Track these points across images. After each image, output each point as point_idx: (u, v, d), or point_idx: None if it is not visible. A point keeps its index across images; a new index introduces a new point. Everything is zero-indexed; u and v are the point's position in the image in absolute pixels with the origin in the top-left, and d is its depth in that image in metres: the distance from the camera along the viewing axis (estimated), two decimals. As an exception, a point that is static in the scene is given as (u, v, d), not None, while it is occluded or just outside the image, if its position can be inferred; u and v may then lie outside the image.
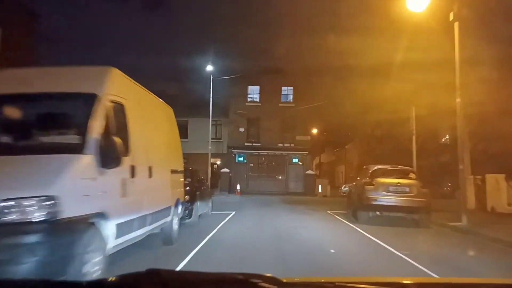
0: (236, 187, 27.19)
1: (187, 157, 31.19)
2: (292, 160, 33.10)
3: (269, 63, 33.01)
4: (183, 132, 35.67)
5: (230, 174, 31.37)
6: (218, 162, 34.31)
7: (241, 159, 33.32)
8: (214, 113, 33.91)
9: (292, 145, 32.43)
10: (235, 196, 26.11)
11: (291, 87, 33.14)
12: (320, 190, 26.43)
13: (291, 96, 33.17)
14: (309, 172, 30.31)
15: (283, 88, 33.19)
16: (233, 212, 14.22)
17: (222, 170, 30.70)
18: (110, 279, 1.14)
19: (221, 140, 34.10)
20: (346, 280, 1.39)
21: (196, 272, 1.20)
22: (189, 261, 6.30)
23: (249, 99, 33.28)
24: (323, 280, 1.41)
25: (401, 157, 29.33)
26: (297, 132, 32.55)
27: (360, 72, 26.69)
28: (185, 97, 35.54)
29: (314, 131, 36.48)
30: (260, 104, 32.92)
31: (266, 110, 32.68)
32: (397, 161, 14.23)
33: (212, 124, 34.41)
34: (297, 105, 32.52)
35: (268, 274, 1.18)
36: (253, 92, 33.31)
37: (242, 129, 32.79)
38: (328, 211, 15.41)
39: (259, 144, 32.59)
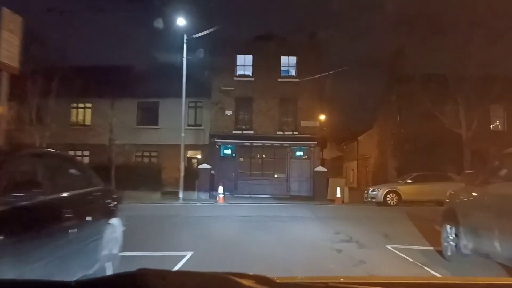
0: (219, 189, 19.14)
1: (157, 149, 22.95)
2: (295, 153, 25.10)
3: (265, 26, 24.88)
4: (153, 117, 27.53)
5: (213, 172, 23.31)
6: (199, 156, 26.23)
7: (227, 152, 25.26)
8: (193, 91, 25.81)
9: (295, 133, 24.41)
10: (214, 205, 18.05)
11: (294, 57, 25.07)
12: (338, 194, 18.44)
13: (294, 69, 25.08)
14: (319, 169, 22.37)
15: (284, 58, 25.10)
16: (184, 259, 6.21)
17: (200, 167, 22.64)
18: (100, 279, 1.15)
19: (202, 127, 26.02)
20: (339, 280, 1.41)
21: (188, 271, 1.20)
22: None
23: (238, 73, 25.17)
24: (315, 280, 1.38)
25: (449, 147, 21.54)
26: (302, 116, 24.55)
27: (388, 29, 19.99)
28: (155, 72, 27.53)
29: (322, 117, 28.39)
30: (253, 79, 24.84)
31: (261, 87, 24.65)
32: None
33: (189, 107, 26.39)
34: (302, 81, 24.50)
35: (260, 274, 1.15)
36: (244, 63, 25.19)
37: (229, 112, 24.72)
38: (389, 247, 7.34)
39: (252, 132, 24.55)
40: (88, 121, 27.32)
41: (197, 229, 9.73)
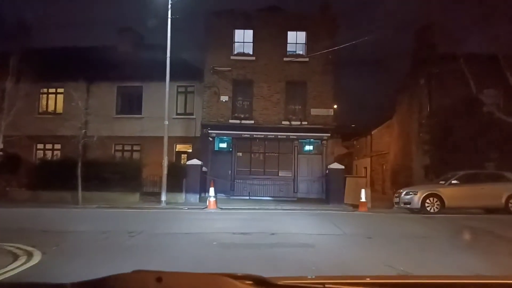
0: (210, 191, 15.05)
1: (140, 141, 18.61)
2: (304, 147, 21.05)
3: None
4: (136, 104, 23.33)
5: (204, 169, 19.28)
6: (190, 151, 22.16)
7: (223, 145, 21.21)
8: (183, 74, 21.83)
9: (304, 123, 20.34)
10: (202, 212, 14.00)
11: (303, 32, 20.95)
12: (363, 198, 14.29)
13: (303, 47, 20.96)
14: (335, 166, 18.29)
15: (290, 34, 20.98)
16: None
17: (189, 163, 18.59)
18: (95, 281, 1.12)
19: (193, 117, 21.95)
20: (336, 280, 1.41)
21: (184, 272, 1.17)
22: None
23: (236, 51, 21.06)
24: (312, 281, 1.38)
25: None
26: (313, 103, 20.47)
27: None
28: (139, 54, 23.52)
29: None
30: (253, 58, 20.74)
31: (264, 68, 20.59)
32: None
33: (178, 92, 22.38)
34: (313, 60, 20.42)
35: (257, 275, 1.14)
36: (243, 40, 21.07)
37: (225, 98, 20.64)
38: None
39: (252, 122, 20.48)
40: (60, 109, 23.25)
41: (149, 265, 5.59)
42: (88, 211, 13.98)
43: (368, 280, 1.49)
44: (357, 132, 35.78)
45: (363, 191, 14.30)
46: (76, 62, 22.81)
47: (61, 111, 22.80)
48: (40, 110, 23.49)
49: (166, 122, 17.03)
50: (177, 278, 1.17)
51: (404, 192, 14.53)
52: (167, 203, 16.78)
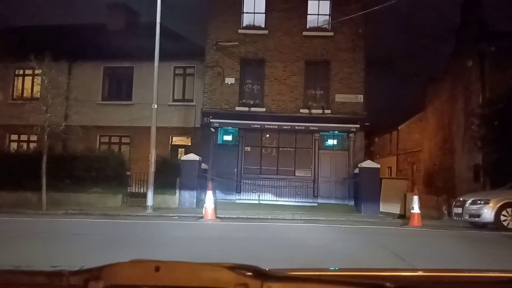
0: (207, 196, 11.27)
1: (129, 132, 15.57)
2: (326, 141, 17.31)
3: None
4: (125, 88, 19.40)
5: (204, 166, 15.68)
6: (189, 144, 18.52)
7: (228, 137, 17.57)
8: (180, 52, 18.30)
9: (327, 112, 16.59)
10: (194, 226, 10.31)
11: (327, 1, 17.18)
12: (416, 208, 10.38)
13: (327, 18, 17.17)
14: (368, 164, 14.57)
15: (312, 2, 17.21)
16: None
17: (184, 158, 14.97)
18: (93, 269, 1.11)
19: (193, 103, 18.33)
20: (332, 273, 1.46)
21: (182, 262, 1.11)
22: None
23: (245, 23, 17.35)
24: (308, 273, 1.39)
25: None
26: (338, 87, 16.71)
27: None
28: (131, 31, 20.05)
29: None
30: (266, 32, 17.02)
31: (278, 44, 16.90)
32: None
33: (176, 74, 18.84)
34: (339, 35, 16.70)
35: (253, 265, 1.13)
36: (253, 10, 17.34)
37: (230, 81, 16.98)
38: None
39: (263, 110, 16.78)
40: (37, 93, 19.76)
41: None
42: (44, 221, 10.41)
43: (366, 273, 1.49)
44: (381, 127, 31.82)
45: (415, 198, 10.47)
46: (58, 40, 19.37)
47: (38, 96, 19.34)
48: (15, 95, 20.08)
49: (155, 106, 13.39)
50: (175, 267, 1.13)
51: (469, 201, 10.70)
52: (155, 208, 13.21)
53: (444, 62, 21.43)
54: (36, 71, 19.76)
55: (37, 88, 19.87)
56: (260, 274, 1.10)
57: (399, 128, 28.54)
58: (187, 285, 1.08)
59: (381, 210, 13.69)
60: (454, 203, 11.34)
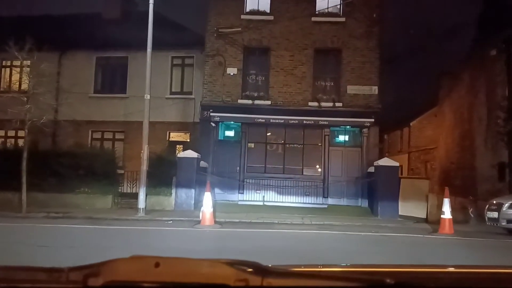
0: (204, 198, 9.81)
1: (123, 127, 14.26)
2: (337, 137, 15.89)
3: None
4: (119, 80, 17.72)
5: (204, 165, 14.31)
6: (188, 141, 17.12)
7: (229, 133, 16.18)
8: (179, 40, 16.96)
9: (338, 105, 15.15)
10: (190, 232, 8.91)
11: (338, -16, 15.72)
12: (447, 213, 8.92)
13: (338, 3, 15.69)
14: (385, 162, 13.19)
15: (321, -15, 15.76)
16: None
17: (182, 155, 13.57)
18: (93, 265, 1.12)
19: (192, 96, 16.93)
20: (333, 269, 1.46)
21: (182, 258, 1.12)
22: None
23: (248, 8, 15.90)
24: (309, 269, 1.39)
25: None
26: (350, 78, 15.26)
27: None
28: (126, 19, 18.75)
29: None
30: (271, 17, 15.58)
31: (285, 31, 15.46)
32: None
33: (174, 64, 17.48)
34: (351, 21, 15.27)
35: (254, 261, 1.11)
36: (258, -6, 15.92)
37: (232, 71, 15.56)
38: None
39: (268, 103, 15.36)
40: (25, 86, 18.42)
41: None
42: (16, 227, 9.04)
43: (367, 269, 1.49)
44: (390, 124, 30.31)
45: (446, 201, 8.99)
46: (48, 29, 18.07)
47: (26, 89, 17.99)
48: (2, 88, 18.74)
49: (148, 96, 12.01)
50: (175, 263, 1.14)
51: (507, 204, 9.25)
52: (148, 211, 11.87)
53: (463, 53, 19.94)
54: (25, 62, 18.51)
55: (25, 81, 18.59)
56: (260, 270, 1.10)
57: (410, 124, 27.02)
58: (187, 281, 1.07)
59: (399, 213, 12.26)
60: (487, 206, 9.87)
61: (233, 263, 1.09)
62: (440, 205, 12.34)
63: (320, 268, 1.39)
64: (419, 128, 26.38)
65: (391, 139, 32.24)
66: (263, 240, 7.74)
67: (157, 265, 1.06)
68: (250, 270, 1.07)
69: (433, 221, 11.59)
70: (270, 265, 1.15)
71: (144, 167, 11.62)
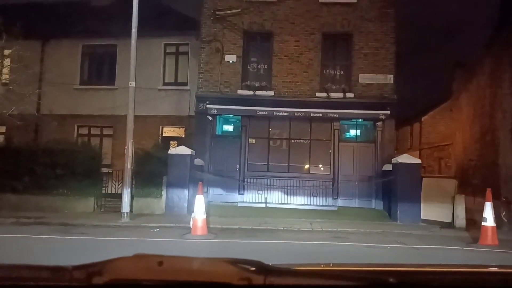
0: (196, 202, 8.27)
1: (112, 122, 12.59)
2: (347, 132, 14.32)
3: None
4: (107, 70, 15.88)
5: (200, 162, 12.78)
6: (183, 136, 15.56)
7: (228, 127, 14.64)
8: (172, 26, 15.49)
9: (349, 95, 13.57)
10: (174, 247, 7.36)
11: (349, -39, 14.11)
12: (490, 220, 7.37)
13: (348, -18, 14.08)
14: (405, 159, 11.62)
15: (329, -37, 14.15)
16: None
17: (173, 152, 12.00)
18: (97, 263, 1.10)
19: (187, 87, 15.39)
20: (336, 268, 1.45)
21: (185, 257, 1.14)
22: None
23: (248, -11, 14.32)
24: (311, 268, 1.38)
25: None
26: (362, 66, 13.67)
27: None
28: (114, 3, 17.23)
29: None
30: (274, -1, 14.01)
31: (289, 14, 13.90)
32: None
33: (167, 53, 15.97)
34: (363, 2, 13.70)
35: (257, 260, 1.11)
36: (259, -28, 14.31)
37: (231, 58, 13.99)
38: None
39: (271, 94, 13.79)
40: (6, 77, 16.91)
41: None
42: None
43: (371, 268, 1.46)
44: (399, 118, 28.70)
45: (488, 206, 7.41)
46: (31, 15, 16.53)
47: (7, 81, 16.48)
48: (-19, 79, 17.20)
49: (132, 84, 10.49)
50: (178, 262, 1.16)
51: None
52: (135, 215, 10.39)
53: (482, 41, 18.34)
54: (6, 51, 16.97)
55: (6, 71, 17.07)
56: (263, 269, 1.09)
57: (422, 119, 25.41)
58: (190, 280, 1.06)
59: (422, 217, 10.71)
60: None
61: (236, 262, 1.09)
62: (467, 208, 10.83)
63: (322, 267, 1.39)
64: (431, 124, 24.79)
65: (400, 136, 30.60)
66: (265, 255, 6.20)
67: (160, 263, 1.06)
68: (253, 269, 1.07)
69: (461, 227, 10.06)
70: (270, 264, 1.11)
71: (129, 165, 10.09)
